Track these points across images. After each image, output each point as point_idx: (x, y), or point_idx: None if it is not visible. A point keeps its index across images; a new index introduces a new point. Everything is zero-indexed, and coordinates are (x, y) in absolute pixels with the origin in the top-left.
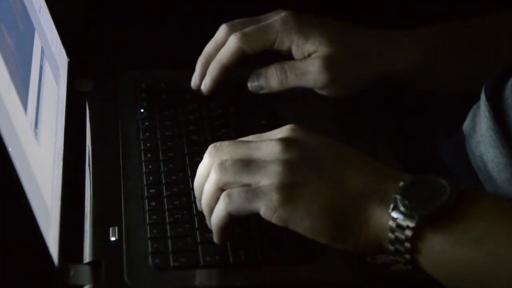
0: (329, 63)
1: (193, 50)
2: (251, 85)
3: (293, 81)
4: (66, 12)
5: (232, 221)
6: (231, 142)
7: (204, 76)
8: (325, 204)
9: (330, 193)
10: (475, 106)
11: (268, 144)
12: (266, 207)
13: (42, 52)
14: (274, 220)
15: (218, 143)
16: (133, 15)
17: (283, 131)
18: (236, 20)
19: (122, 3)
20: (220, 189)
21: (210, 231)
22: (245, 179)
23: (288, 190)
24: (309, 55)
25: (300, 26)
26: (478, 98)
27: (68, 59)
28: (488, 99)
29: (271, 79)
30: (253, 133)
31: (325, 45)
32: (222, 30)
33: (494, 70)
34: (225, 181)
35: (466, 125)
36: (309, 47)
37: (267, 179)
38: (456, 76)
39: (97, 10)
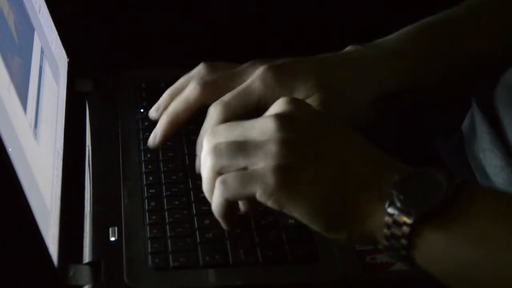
0: (324, 107)
1: (193, 50)
2: None
3: None
4: (66, 12)
5: (233, 205)
6: (227, 124)
7: (167, 135)
8: (323, 191)
9: (328, 179)
10: (472, 108)
11: (263, 122)
12: (262, 191)
13: (42, 52)
14: (270, 203)
15: (214, 127)
16: (133, 14)
17: (278, 105)
18: (208, 78)
19: (122, 3)
20: (217, 173)
21: (210, 231)
22: (241, 161)
23: (285, 172)
24: None
25: (282, 80)
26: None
27: (68, 59)
28: (480, 103)
29: None
30: None
31: (313, 90)
32: (195, 90)
33: (475, 69)
34: (220, 165)
35: (465, 125)
36: (298, 96)
37: (263, 160)
38: (439, 83)
39: (97, 10)
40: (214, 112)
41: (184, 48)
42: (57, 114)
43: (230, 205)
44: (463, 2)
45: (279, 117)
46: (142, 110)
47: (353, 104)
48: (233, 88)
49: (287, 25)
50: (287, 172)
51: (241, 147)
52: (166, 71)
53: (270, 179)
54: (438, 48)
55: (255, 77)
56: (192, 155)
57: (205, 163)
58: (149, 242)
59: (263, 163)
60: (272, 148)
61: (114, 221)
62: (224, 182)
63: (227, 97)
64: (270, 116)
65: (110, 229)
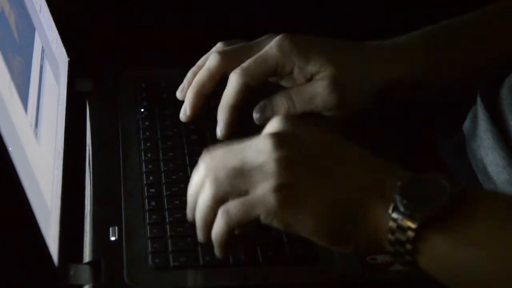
0: (336, 82)
1: (193, 50)
2: (258, 117)
3: (301, 106)
4: (66, 12)
5: (233, 233)
6: (224, 148)
7: (196, 107)
8: (325, 205)
9: (329, 193)
10: (474, 108)
11: (259, 142)
12: (266, 213)
13: (43, 51)
14: (275, 224)
15: (212, 150)
16: (133, 14)
17: (272, 124)
18: (227, 48)
19: (122, 3)
20: (218, 202)
21: None
22: (242, 186)
23: (286, 191)
24: (312, 76)
25: (298, 47)
26: (475, 99)
27: (69, 59)
28: (484, 102)
29: (277, 108)
30: (254, 133)
31: (327, 65)
32: (215, 59)
33: (486, 70)
34: (222, 194)
35: (467, 125)
36: (312, 67)
37: (263, 181)
38: (449, 82)
39: (97, 9)
40: (234, 77)
41: (184, 48)
42: (58, 114)
43: (231, 234)
44: (480, 8)
45: (274, 136)
46: (142, 110)
47: (360, 88)
48: (251, 56)
49: (287, 25)
50: (288, 190)
51: (239, 172)
52: (166, 71)
53: (272, 200)
54: (448, 49)
55: (272, 43)
56: (192, 155)
57: (204, 191)
58: (149, 241)
59: (263, 184)
60: (270, 167)
61: (115, 221)
62: (227, 213)
63: (245, 63)
64: (265, 135)
65: (111, 229)
